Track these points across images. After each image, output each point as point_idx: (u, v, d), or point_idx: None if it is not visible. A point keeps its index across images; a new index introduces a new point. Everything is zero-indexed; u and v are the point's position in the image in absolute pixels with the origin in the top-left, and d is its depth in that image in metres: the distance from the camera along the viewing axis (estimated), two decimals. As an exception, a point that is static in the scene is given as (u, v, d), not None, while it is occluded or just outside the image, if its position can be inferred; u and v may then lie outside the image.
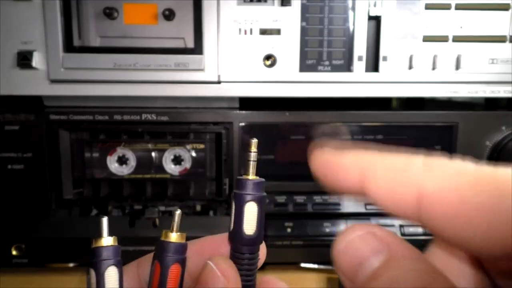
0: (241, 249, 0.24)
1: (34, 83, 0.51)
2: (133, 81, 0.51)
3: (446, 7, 0.52)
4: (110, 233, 0.24)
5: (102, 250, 0.23)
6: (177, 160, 0.55)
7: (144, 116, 0.52)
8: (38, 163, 0.51)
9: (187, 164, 0.55)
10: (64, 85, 0.51)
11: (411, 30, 0.52)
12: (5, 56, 0.50)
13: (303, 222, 0.55)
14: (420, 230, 0.55)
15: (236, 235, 0.24)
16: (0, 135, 0.51)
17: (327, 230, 0.55)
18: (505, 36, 0.53)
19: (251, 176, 0.25)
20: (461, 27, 0.52)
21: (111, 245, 0.23)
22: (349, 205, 0.55)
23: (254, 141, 0.25)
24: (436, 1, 0.52)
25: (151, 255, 0.25)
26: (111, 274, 0.23)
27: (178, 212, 0.25)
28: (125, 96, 0.53)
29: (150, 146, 0.55)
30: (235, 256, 0.24)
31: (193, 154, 0.55)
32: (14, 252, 0.52)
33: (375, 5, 0.52)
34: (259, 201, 0.24)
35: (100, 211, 0.56)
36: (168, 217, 0.55)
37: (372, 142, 0.55)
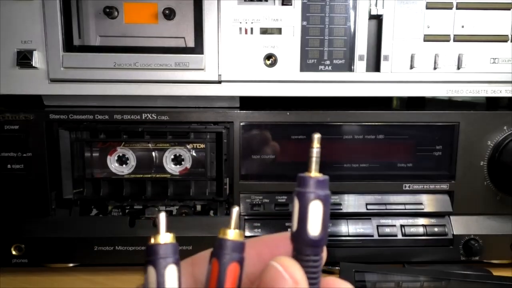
0: (305, 251, 0.23)
1: (34, 83, 0.51)
2: (133, 81, 0.51)
3: (448, 6, 0.52)
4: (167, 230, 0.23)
5: (161, 248, 0.22)
6: (177, 160, 0.55)
7: (144, 115, 0.52)
8: (38, 162, 0.51)
9: (187, 164, 0.55)
10: (64, 84, 0.51)
11: (412, 30, 0.52)
12: (5, 55, 0.50)
13: (304, 222, 0.54)
14: (420, 230, 0.55)
15: (300, 236, 0.23)
16: (0, 134, 0.51)
17: (328, 230, 0.54)
18: (506, 36, 0.53)
19: (314, 173, 0.23)
20: (462, 27, 0.52)
21: (171, 243, 0.23)
22: (350, 205, 0.55)
23: (317, 136, 0.24)
24: (437, 1, 0.52)
25: (207, 253, 0.24)
26: (171, 273, 0.22)
27: (236, 208, 0.24)
28: (125, 96, 0.52)
29: (150, 145, 0.55)
30: (298, 258, 0.23)
31: (194, 153, 0.55)
32: (14, 252, 0.52)
33: (376, 5, 0.51)
34: (324, 200, 0.23)
35: (100, 211, 0.56)
36: (168, 217, 0.54)
37: (373, 141, 0.55)
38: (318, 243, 0.23)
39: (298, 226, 0.23)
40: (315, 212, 0.23)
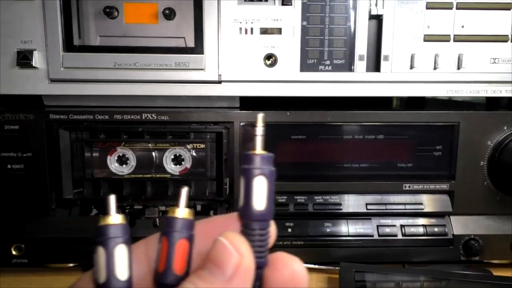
0: (251, 225, 0.24)
1: (34, 83, 0.51)
2: (133, 81, 0.51)
3: (448, 6, 0.52)
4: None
5: (111, 228, 0.22)
6: (177, 160, 0.55)
7: (144, 115, 0.52)
8: (38, 162, 0.51)
9: (187, 164, 0.55)
10: (64, 84, 0.51)
11: (413, 30, 0.52)
12: (5, 55, 0.50)
13: (304, 222, 0.55)
14: (420, 230, 0.55)
15: (245, 211, 0.24)
16: (0, 134, 0.51)
17: (328, 230, 0.54)
18: (506, 36, 0.53)
19: (259, 150, 0.24)
20: (462, 27, 0.52)
21: (120, 223, 0.23)
22: (350, 205, 0.55)
23: (261, 115, 0.25)
24: (437, 0, 0.52)
25: (158, 234, 0.25)
26: (121, 253, 0.22)
27: (185, 188, 0.24)
28: (125, 96, 0.52)
29: (150, 145, 0.55)
30: (246, 233, 0.24)
31: (194, 153, 0.55)
32: (14, 252, 0.52)
33: (376, 4, 0.52)
34: (268, 175, 0.24)
35: (100, 211, 0.56)
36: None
37: (373, 141, 0.55)
38: (263, 217, 0.24)
39: (244, 201, 0.24)
40: (260, 187, 0.24)
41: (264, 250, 0.24)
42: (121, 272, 0.22)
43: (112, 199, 0.23)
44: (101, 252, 0.22)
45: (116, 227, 0.22)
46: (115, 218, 0.23)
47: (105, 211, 0.23)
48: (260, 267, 0.24)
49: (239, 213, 0.24)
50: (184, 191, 0.24)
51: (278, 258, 0.25)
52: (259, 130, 0.25)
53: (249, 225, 0.24)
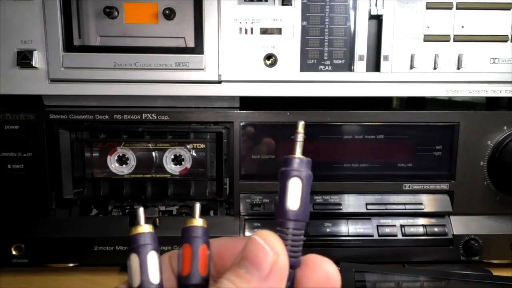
0: (286, 224, 0.24)
1: (34, 83, 0.51)
2: (134, 81, 0.51)
3: (448, 6, 0.52)
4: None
5: (142, 236, 0.24)
6: (177, 160, 0.55)
7: (144, 115, 0.52)
8: (38, 162, 0.51)
9: (187, 164, 0.55)
10: (64, 84, 0.51)
11: (412, 30, 0.52)
12: (5, 55, 0.50)
13: (304, 222, 0.55)
14: (420, 230, 0.55)
15: (280, 210, 0.24)
16: (0, 134, 0.51)
17: (328, 230, 0.54)
18: (506, 36, 0.53)
19: (298, 155, 0.25)
20: (462, 27, 0.52)
21: (150, 232, 0.25)
22: (349, 205, 0.55)
23: (302, 123, 0.26)
24: (437, 1, 0.52)
25: (177, 249, 0.27)
26: (152, 258, 0.24)
27: (198, 204, 0.27)
28: (125, 96, 0.52)
29: (150, 145, 0.55)
30: (279, 232, 0.24)
31: (194, 153, 0.55)
32: (14, 252, 0.52)
33: (376, 5, 0.52)
34: (304, 178, 0.25)
35: (100, 211, 0.56)
36: (168, 217, 0.55)
37: (373, 141, 0.55)
38: (296, 216, 0.24)
39: (279, 201, 0.25)
40: (295, 188, 0.25)
41: (297, 250, 0.25)
42: (154, 276, 0.24)
43: (141, 211, 0.25)
44: (134, 258, 0.24)
45: (147, 235, 0.25)
46: (145, 228, 0.25)
47: (134, 222, 0.25)
48: (293, 267, 0.24)
49: (276, 212, 0.25)
50: (198, 206, 0.27)
51: (311, 259, 0.25)
52: (299, 136, 0.26)
53: (283, 224, 0.24)
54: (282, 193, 0.25)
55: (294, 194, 0.24)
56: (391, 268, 0.52)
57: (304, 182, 0.25)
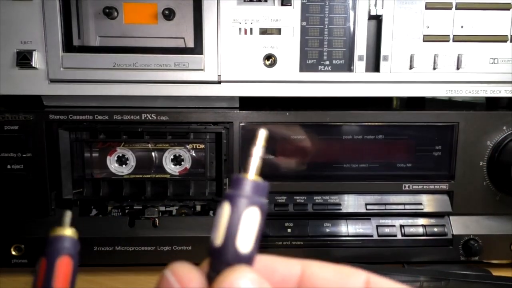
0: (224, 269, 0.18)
1: (33, 83, 0.51)
2: (133, 81, 0.51)
3: (447, 6, 0.52)
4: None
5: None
6: (177, 160, 0.55)
7: (144, 116, 0.52)
8: (37, 163, 0.51)
9: (187, 164, 0.55)
10: (63, 84, 0.51)
11: (412, 30, 0.52)
12: (5, 55, 0.50)
13: (304, 222, 0.55)
14: (420, 230, 0.55)
15: (224, 251, 0.18)
16: (0, 135, 0.51)
17: (328, 230, 0.54)
18: (506, 36, 0.53)
19: (254, 176, 0.19)
20: (461, 27, 0.52)
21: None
22: (349, 206, 0.55)
23: (263, 132, 0.20)
24: (437, 1, 0.52)
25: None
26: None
27: (68, 212, 0.22)
28: (125, 96, 0.52)
29: (150, 146, 0.55)
30: (212, 277, 0.18)
31: (193, 154, 0.55)
32: (13, 252, 0.52)
33: (375, 5, 0.52)
34: (264, 209, 0.19)
35: (100, 211, 0.56)
36: (168, 217, 0.55)
37: (373, 142, 0.55)
38: (246, 261, 0.18)
39: (224, 238, 0.18)
40: (250, 223, 0.18)
41: None
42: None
43: (68, 214, 0.22)
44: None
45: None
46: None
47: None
48: None
49: (212, 251, 0.19)
50: (68, 214, 0.21)
51: None
52: (257, 150, 0.20)
53: (222, 268, 0.18)
54: (232, 227, 0.18)
55: (249, 231, 0.18)
56: (390, 268, 0.52)
57: (263, 215, 0.19)
